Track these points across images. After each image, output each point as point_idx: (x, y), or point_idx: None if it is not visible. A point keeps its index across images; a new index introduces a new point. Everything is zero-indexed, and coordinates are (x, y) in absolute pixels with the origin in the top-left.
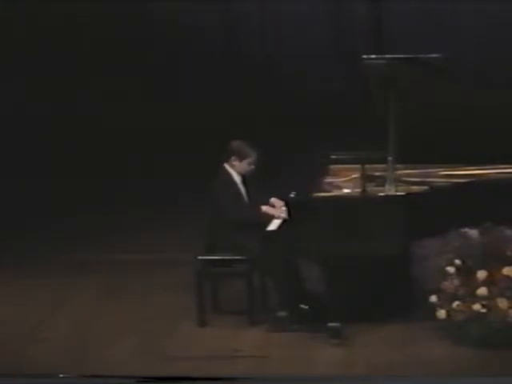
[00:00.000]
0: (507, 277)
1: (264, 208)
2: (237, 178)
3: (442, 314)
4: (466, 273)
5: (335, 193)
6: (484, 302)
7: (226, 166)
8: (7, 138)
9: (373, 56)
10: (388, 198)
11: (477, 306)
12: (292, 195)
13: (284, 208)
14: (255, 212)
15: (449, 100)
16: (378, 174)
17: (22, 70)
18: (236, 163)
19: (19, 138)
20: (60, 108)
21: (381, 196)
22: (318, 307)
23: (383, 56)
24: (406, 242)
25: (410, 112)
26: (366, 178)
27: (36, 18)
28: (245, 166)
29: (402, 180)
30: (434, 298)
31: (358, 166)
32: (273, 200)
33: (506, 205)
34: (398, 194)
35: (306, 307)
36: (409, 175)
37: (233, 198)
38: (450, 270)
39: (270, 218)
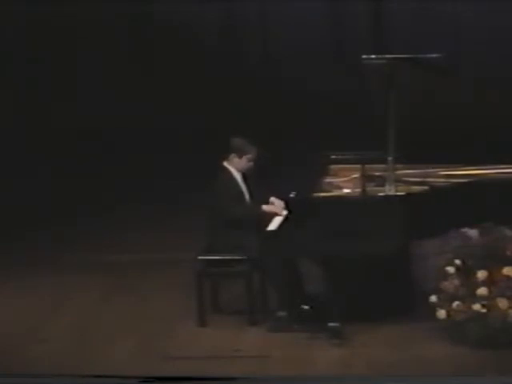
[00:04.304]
0: (507, 277)
1: (265, 207)
2: (237, 176)
3: (441, 314)
4: (466, 273)
5: (335, 193)
6: (484, 302)
7: (226, 164)
8: None
9: (373, 56)
10: (388, 198)
11: (477, 306)
12: (292, 195)
13: (284, 208)
14: (256, 210)
15: (449, 100)
16: (377, 173)
17: None
18: (235, 159)
19: None
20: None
21: (381, 196)
22: (318, 307)
23: (383, 56)
24: (406, 241)
25: (410, 112)
26: (366, 178)
27: None
28: (244, 162)
29: (402, 180)
30: (433, 298)
31: (358, 165)
32: (272, 199)
33: (506, 205)
34: (398, 193)
35: (307, 307)
36: (409, 175)
37: (234, 196)
38: (450, 270)
39: (271, 216)
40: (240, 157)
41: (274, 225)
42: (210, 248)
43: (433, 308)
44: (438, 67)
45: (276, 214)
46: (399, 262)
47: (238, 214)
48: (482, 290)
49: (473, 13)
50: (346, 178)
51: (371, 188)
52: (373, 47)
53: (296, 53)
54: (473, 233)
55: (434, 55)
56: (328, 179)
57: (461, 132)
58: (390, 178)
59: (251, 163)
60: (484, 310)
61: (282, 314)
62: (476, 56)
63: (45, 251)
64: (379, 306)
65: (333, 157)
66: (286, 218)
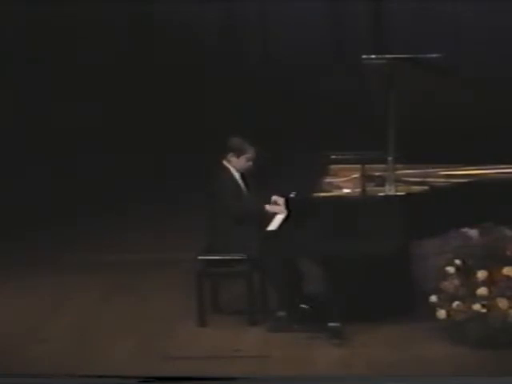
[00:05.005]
0: (507, 277)
1: (268, 207)
2: (236, 175)
3: (441, 314)
4: (466, 273)
5: (335, 193)
6: (484, 302)
7: (225, 163)
8: None
9: (373, 56)
10: (388, 198)
11: (477, 306)
12: (292, 195)
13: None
14: (256, 207)
15: (449, 100)
16: (377, 174)
17: None
18: (233, 159)
19: None
20: None
21: (381, 196)
22: (318, 307)
23: (383, 56)
24: (405, 241)
25: (410, 112)
26: (366, 178)
27: None
28: (242, 162)
29: (402, 180)
30: (434, 298)
31: (358, 166)
32: (275, 198)
33: (506, 205)
34: (398, 193)
35: (307, 307)
36: (409, 175)
37: (234, 194)
38: (450, 270)
39: (271, 215)
40: (238, 156)
41: (274, 225)
42: (210, 248)
43: (433, 308)
44: (438, 67)
45: (277, 213)
46: (399, 261)
47: (238, 212)
48: (482, 290)
49: (473, 13)
50: (345, 178)
51: (371, 188)
52: (373, 47)
53: (296, 53)
54: (473, 233)
55: (434, 55)
56: (328, 179)
57: (461, 132)
58: (390, 178)
59: (250, 163)
60: (484, 310)
61: (281, 313)
62: (476, 56)
63: (45, 251)
64: (379, 305)
65: (333, 157)
66: (286, 218)
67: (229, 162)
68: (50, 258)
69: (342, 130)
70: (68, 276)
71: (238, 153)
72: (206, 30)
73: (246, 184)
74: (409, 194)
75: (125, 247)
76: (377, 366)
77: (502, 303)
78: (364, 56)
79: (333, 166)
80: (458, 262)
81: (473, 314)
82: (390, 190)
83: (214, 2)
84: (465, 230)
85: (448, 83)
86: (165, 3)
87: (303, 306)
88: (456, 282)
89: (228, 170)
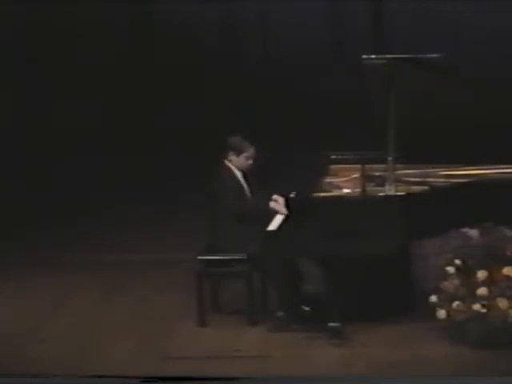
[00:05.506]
0: (507, 277)
1: (272, 204)
2: (238, 174)
3: (441, 314)
4: (466, 273)
5: (335, 193)
6: (484, 302)
7: (226, 162)
8: None
9: (373, 56)
10: (388, 198)
11: (477, 306)
12: (292, 195)
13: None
14: (258, 206)
15: (449, 100)
16: (377, 174)
17: None
18: (233, 158)
19: None
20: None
21: (381, 196)
22: (318, 307)
23: (383, 56)
24: (406, 241)
25: (410, 112)
26: (366, 178)
27: None
28: (242, 160)
29: (402, 180)
30: (434, 298)
31: (358, 166)
32: (275, 197)
33: (506, 205)
34: (398, 193)
35: (307, 307)
36: (409, 175)
37: (236, 193)
38: (450, 270)
39: (273, 214)
40: (238, 155)
41: (274, 225)
42: (210, 248)
43: (433, 308)
44: (438, 67)
45: (277, 213)
46: (399, 261)
47: (240, 210)
48: (482, 290)
49: (473, 13)
50: (345, 178)
51: (371, 188)
52: (373, 47)
53: (296, 53)
54: (473, 233)
55: (434, 55)
56: (328, 179)
57: (461, 132)
58: (390, 178)
59: (250, 161)
60: (484, 310)
61: (281, 314)
62: (476, 56)
63: (45, 251)
64: (379, 305)
65: (333, 157)
66: (286, 218)
67: (230, 161)
68: (50, 258)
69: (342, 130)
70: (68, 276)
71: (238, 152)
72: (206, 30)
73: (248, 183)
74: (409, 194)
75: (125, 247)
76: (377, 366)
77: (502, 303)
78: (364, 56)
79: (333, 166)
80: (458, 261)
81: (473, 314)
82: (390, 190)
83: (214, 2)
84: (465, 230)
85: (448, 83)
86: (165, 3)
87: (303, 306)
88: (456, 282)
89: (229, 169)
